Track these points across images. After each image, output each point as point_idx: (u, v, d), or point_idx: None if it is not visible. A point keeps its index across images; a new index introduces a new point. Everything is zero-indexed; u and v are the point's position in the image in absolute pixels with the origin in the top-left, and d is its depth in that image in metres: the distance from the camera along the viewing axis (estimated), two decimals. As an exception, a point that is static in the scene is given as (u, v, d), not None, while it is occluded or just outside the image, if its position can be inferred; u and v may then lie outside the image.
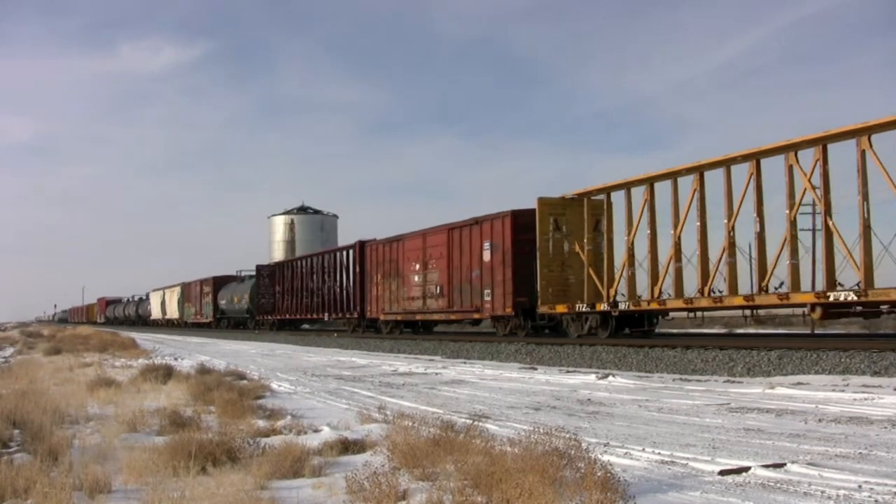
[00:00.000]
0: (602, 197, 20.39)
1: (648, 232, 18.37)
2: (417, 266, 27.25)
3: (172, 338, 45.73)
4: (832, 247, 14.47)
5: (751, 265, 17.00)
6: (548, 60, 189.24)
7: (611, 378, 13.62)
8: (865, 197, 13.86)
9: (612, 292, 19.33)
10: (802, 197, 15.19)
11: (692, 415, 9.02)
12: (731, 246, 16.34)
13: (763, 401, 10.11)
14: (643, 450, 6.72)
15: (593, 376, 14.11)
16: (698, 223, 17.05)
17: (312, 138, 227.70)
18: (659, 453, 6.55)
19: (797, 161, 15.15)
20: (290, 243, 68.23)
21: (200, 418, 8.71)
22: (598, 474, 4.88)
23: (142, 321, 79.92)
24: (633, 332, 19.74)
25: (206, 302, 55.51)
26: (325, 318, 36.82)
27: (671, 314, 20.35)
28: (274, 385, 13.80)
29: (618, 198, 19.86)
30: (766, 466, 5.85)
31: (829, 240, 14.54)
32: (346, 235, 74.62)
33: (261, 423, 8.59)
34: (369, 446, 7.01)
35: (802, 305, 15.37)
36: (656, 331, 20.79)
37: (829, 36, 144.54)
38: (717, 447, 6.84)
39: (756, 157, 15.80)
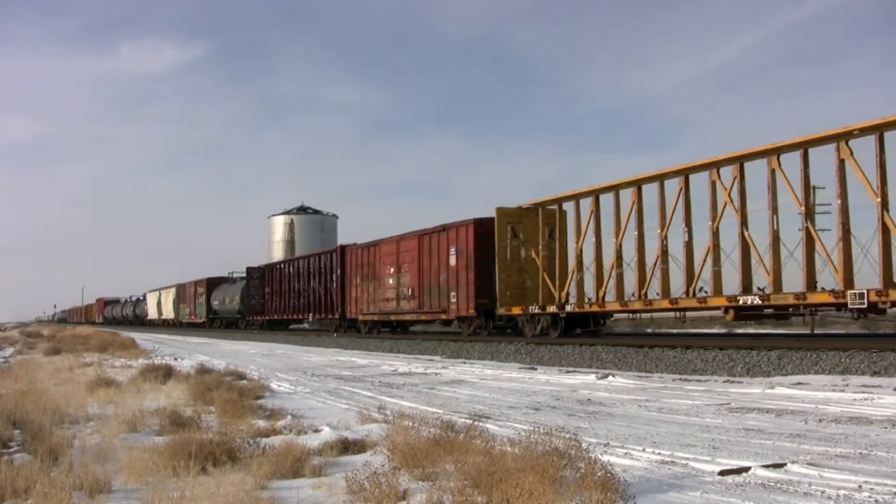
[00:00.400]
0: (555, 207, 21.96)
1: (594, 240, 20.13)
2: (392, 269, 28.82)
3: (172, 338, 45.74)
4: (749, 255, 15.99)
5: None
6: (548, 60, 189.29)
7: (611, 378, 13.62)
8: (775, 210, 15.47)
9: (562, 295, 20.97)
10: (724, 209, 16.54)
11: (692, 415, 9.01)
12: (664, 254, 17.88)
13: (763, 401, 10.11)
14: (643, 450, 6.72)
15: (593, 376, 14.12)
16: (636, 232, 18.70)
17: (312, 138, 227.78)
18: (659, 453, 6.55)
19: (719, 177, 16.68)
20: (290, 243, 68.20)
21: (200, 418, 8.71)
22: (599, 474, 4.88)
23: (139, 321, 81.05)
24: (584, 332, 21.27)
25: (199, 303, 56.75)
26: (310, 319, 38.37)
27: (614, 315, 21.99)
28: (274, 385, 13.81)
29: (569, 208, 21.52)
30: (767, 466, 5.85)
31: (745, 249, 16.09)
32: (346, 235, 74.72)
33: (261, 423, 8.59)
34: (369, 446, 7.01)
35: (718, 308, 16.84)
36: (604, 331, 22.42)
37: (829, 36, 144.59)
38: (717, 447, 6.84)
39: (685, 173, 17.35)
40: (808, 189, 14.93)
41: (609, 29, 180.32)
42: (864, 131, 13.98)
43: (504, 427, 8.04)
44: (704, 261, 16.93)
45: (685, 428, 8.04)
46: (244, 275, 48.58)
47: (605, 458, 5.69)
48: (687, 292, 17.20)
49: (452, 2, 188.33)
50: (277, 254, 65.32)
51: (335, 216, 73.18)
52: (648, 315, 22.21)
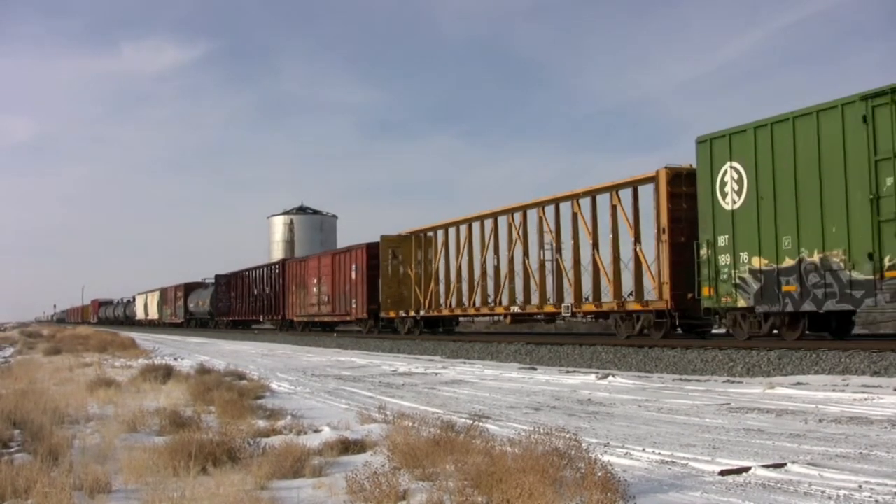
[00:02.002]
0: (423, 235, 28.31)
1: (444, 261, 26.69)
2: (315, 280, 35.62)
3: (172, 338, 45.76)
4: (529, 276, 21.97)
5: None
6: (548, 60, 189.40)
7: (610, 378, 13.62)
8: (541, 246, 21.60)
9: (426, 303, 27.24)
10: (515, 243, 22.70)
11: (692, 415, 9.01)
12: (483, 274, 24.22)
13: (763, 401, 10.10)
14: (643, 450, 6.72)
15: (593, 376, 14.11)
16: (468, 257, 25.36)
17: (312, 138, 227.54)
18: (659, 453, 6.55)
19: (513, 220, 22.81)
20: (290, 243, 68.23)
21: (200, 418, 8.70)
22: (599, 474, 4.87)
23: (129, 321, 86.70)
24: (444, 330, 27.99)
25: (178, 305, 63.34)
26: (261, 319, 45.49)
27: (459, 318, 28.87)
28: (274, 385, 13.80)
29: (431, 235, 27.91)
30: (767, 466, 5.85)
31: (525, 272, 22.18)
32: (346, 235, 74.82)
33: (261, 424, 8.58)
34: (369, 446, 7.01)
35: (501, 314, 23.66)
36: (455, 330, 29.43)
37: (829, 36, 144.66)
38: (718, 447, 6.84)
39: (495, 216, 23.72)
40: (559, 233, 20.80)
41: (609, 29, 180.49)
42: (585, 193, 19.71)
43: (504, 427, 8.04)
44: (505, 279, 23.05)
45: (685, 428, 8.04)
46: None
47: (606, 458, 5.69)
48: (494, 302, 23.56)
49: (453, 1, 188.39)
50: (277, 254, 65.28)
51: (335, 216, 73.22)
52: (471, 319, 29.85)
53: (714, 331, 18.23)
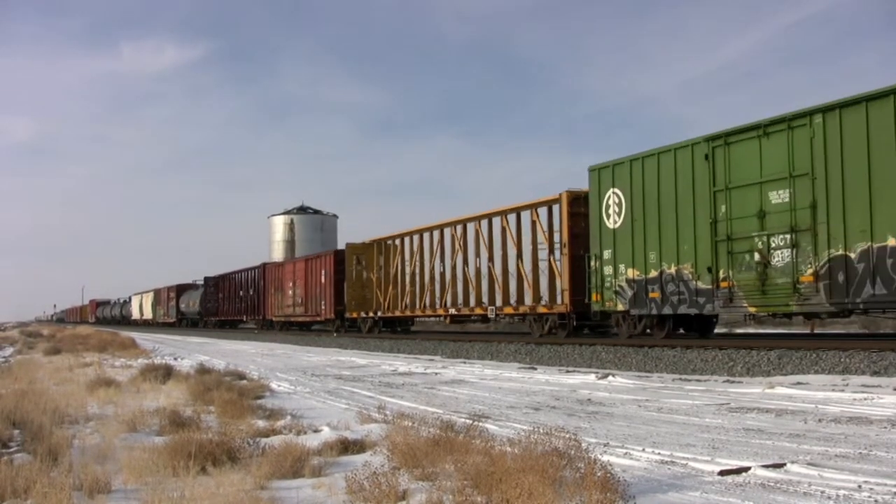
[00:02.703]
0: (383, 243, 30.88)
1: (401, 268, 29.27)
2: (291, 283, 38.72)
3: (172, 337, 45.77)
4: (468, 283, 24.65)
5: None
6: (548, 60, 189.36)
7: (610, 378, 13.62)
8: (477, 254, 24.32)
9: (385, 304, 30.10)
10: (456, 253, 25.35)
11: (692, 415, 9.01)
12: (432, 279, 26.73)
13: (763, 401, 10.10)
14: (643, 450, 6.72)
15: (593, 376, 14.11)
16: (419, 264, 27.81)
17: (313, 138, 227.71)
18: (659, 453, 6.55)
19: (455, 231, 25.50)
20: (290, 243, 68.13)
21: (200, 418, 8.70)
22: (598, 474, 4.87)
23: (125, 321, 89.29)
24: (402, 329, 30.93)
25: (171, 305, 66.31)
26: (244, 319, 48.55)
27: (413, 319, 31.35)
28: (273, 385, 13.80)
29: (391, 243, 30.47)
30: (766, 466, 5.85)
31: (465, 279, 24.80)
32: (346, 235, 74.98)
33: (260, 423, 8.58)
34: (369, 446, 7.01)
35: (442, 315, 26.38)
36: (412, 329, 31.97)
37: (829, 36, 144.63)
38: (717, 447, 6.84)
39: (441, 228, 26.50)
40: (492, 244, 23.40)
41: (609, 29, 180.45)
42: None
43: (504, 427, 8.04)
44: (449, 284, 25.60)
45: (685, 428, 8.04)
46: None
47: (605, 458, 5.69)
48: (440, 304, 26.18)
49: (454, 1, 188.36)
50: (277, 254, 65.25)
51: (335, 216, 73.05)
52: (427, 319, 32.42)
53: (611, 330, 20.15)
